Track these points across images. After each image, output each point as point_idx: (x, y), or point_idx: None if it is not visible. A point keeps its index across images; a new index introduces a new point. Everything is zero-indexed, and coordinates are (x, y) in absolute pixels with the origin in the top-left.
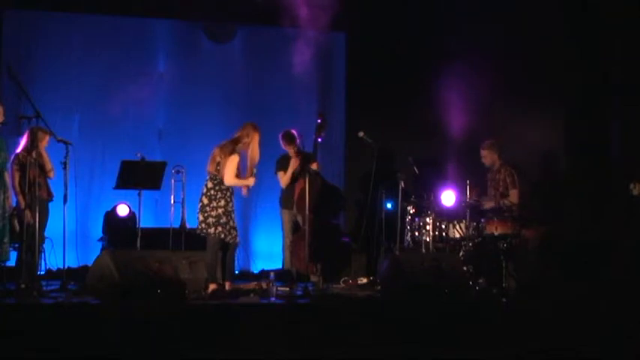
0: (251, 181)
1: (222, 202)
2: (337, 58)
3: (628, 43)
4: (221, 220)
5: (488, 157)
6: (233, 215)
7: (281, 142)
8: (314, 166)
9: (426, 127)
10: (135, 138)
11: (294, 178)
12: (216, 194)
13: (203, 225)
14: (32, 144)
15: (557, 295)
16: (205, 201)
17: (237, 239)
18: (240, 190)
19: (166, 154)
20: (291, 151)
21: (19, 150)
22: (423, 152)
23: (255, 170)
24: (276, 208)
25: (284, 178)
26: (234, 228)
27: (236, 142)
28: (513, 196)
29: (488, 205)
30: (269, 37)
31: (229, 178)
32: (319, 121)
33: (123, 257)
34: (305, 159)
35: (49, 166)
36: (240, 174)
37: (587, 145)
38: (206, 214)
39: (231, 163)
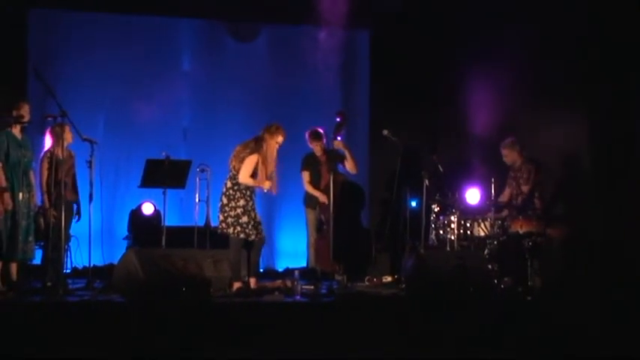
0: (266, 185)
1: (242, 202)
2: (361, 56)
3: None
4: (240, 220)
5: (509, 155)
6: (253, 214)
7: (308, 138)
8: (349, 166)
9: (450, 125)
10: (160, 137)
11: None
12: (235, 194)
13: (223, 225)
14: (57, 142)
15: (582, 295)
16: (224, 200)
17: (263, 235)
18: (261, 188)
19: (191, 152)
20: (317, 148)
21: (48, 147)
22: (447, 150)
23: (273, 174)
24: (301, 206)
25: (308, 186)
26: (259, 223)
27: (258, 141)
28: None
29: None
30: (293, 35)
31: (243, 176)
32: (338, 119)
33: (148, 255)
34: (331, 158)
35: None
36: (259, 174)
37: (612, 143)
38: (225, 214)
39: (249, 162)
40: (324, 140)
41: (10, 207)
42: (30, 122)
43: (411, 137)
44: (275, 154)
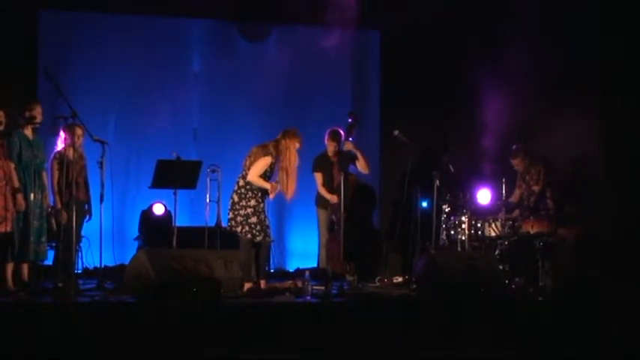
0: (273, 187)
1: (253, 202)
2: (371, 57)
3: None
4: (249, 220)
5: (520, 164)
6: (262, 216)
7: (326, 137)
8: (361, 166)
9: (461, 125)
10: (170, 137)
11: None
12: (247, 193)
13: (232, 223)
14: (69, 142)
15: (594, 295)
16: (235, 198)
17: (270, 238)
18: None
19: (201, 153)
20: (331, 148)
21: (60, 148)
22: (458, 150)
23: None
24: (311, 206)
25: (321, 189)
26: (267, 227)
27: (277, 145)
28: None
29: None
30: (303, 35)
31: (253, 174)
32: (350, 120)
33: (159, 256)
34: (343, 159)
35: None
36: (269, 177)
37: (624, 143)
38: (235, 212)
39: (261, 162)
40: (342, 140)
41: (22, 207)
42: (41, 123)
43: (422, 137)
44: (297, 159)
